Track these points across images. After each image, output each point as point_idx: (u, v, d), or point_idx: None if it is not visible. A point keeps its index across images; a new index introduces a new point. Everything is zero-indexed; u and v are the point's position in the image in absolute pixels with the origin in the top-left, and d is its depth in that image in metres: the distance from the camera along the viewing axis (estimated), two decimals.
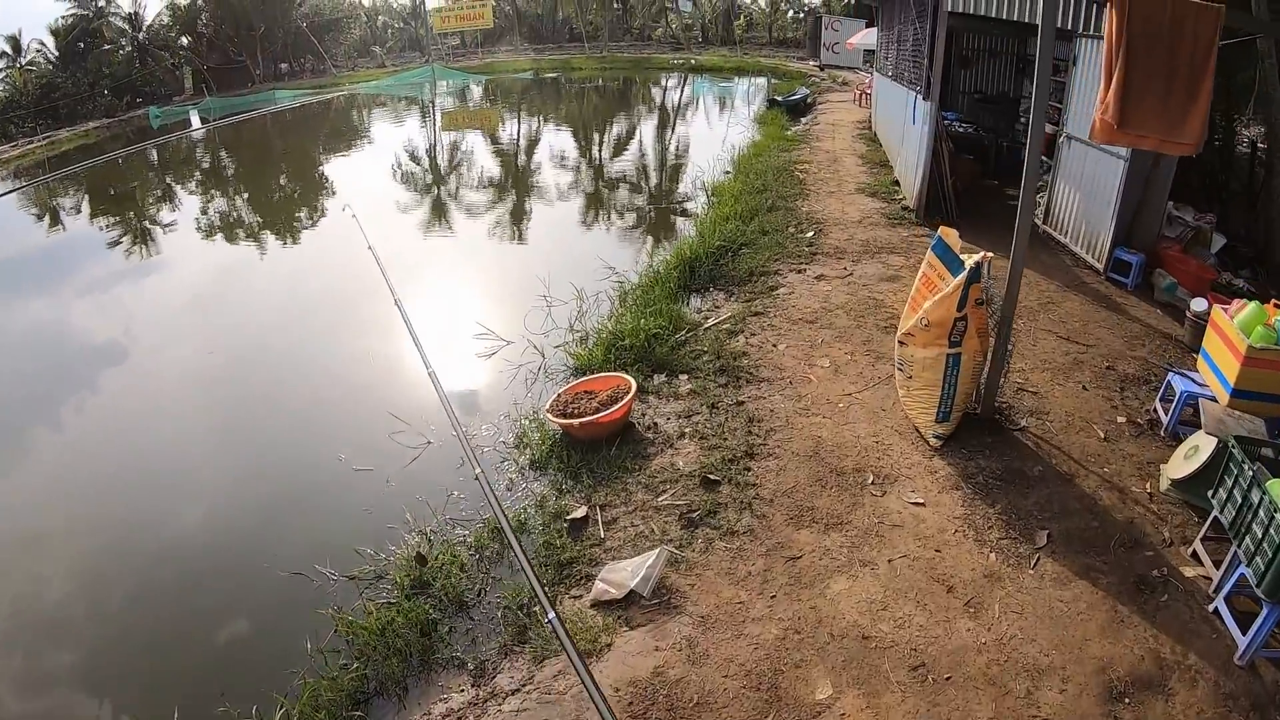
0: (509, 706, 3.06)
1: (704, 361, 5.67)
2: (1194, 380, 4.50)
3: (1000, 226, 7.96)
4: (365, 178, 16.68)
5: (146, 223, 14.01)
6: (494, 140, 21.11)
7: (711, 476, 4.28)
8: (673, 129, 21.70)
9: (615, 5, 47.13)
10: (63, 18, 32.58)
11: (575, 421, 4.65)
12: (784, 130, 16.00)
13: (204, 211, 14.41)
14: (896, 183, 10.47)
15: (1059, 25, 5.37)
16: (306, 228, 12.86)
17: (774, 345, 5.87)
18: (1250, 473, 3.04)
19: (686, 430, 4.83)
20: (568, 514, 4.13)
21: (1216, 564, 3.43)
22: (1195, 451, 3.91)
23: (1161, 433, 4.55)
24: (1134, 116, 3.83)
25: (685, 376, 5.53)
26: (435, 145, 20.60)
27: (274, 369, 7.11)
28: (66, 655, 3.93)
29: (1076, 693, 2.91)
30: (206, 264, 11.05)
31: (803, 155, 13.12)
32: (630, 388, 4.90)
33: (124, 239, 12.89)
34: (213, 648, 3.86)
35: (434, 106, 29.60)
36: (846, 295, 6.75)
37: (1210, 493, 3.40)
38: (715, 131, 18.67)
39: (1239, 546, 3.07)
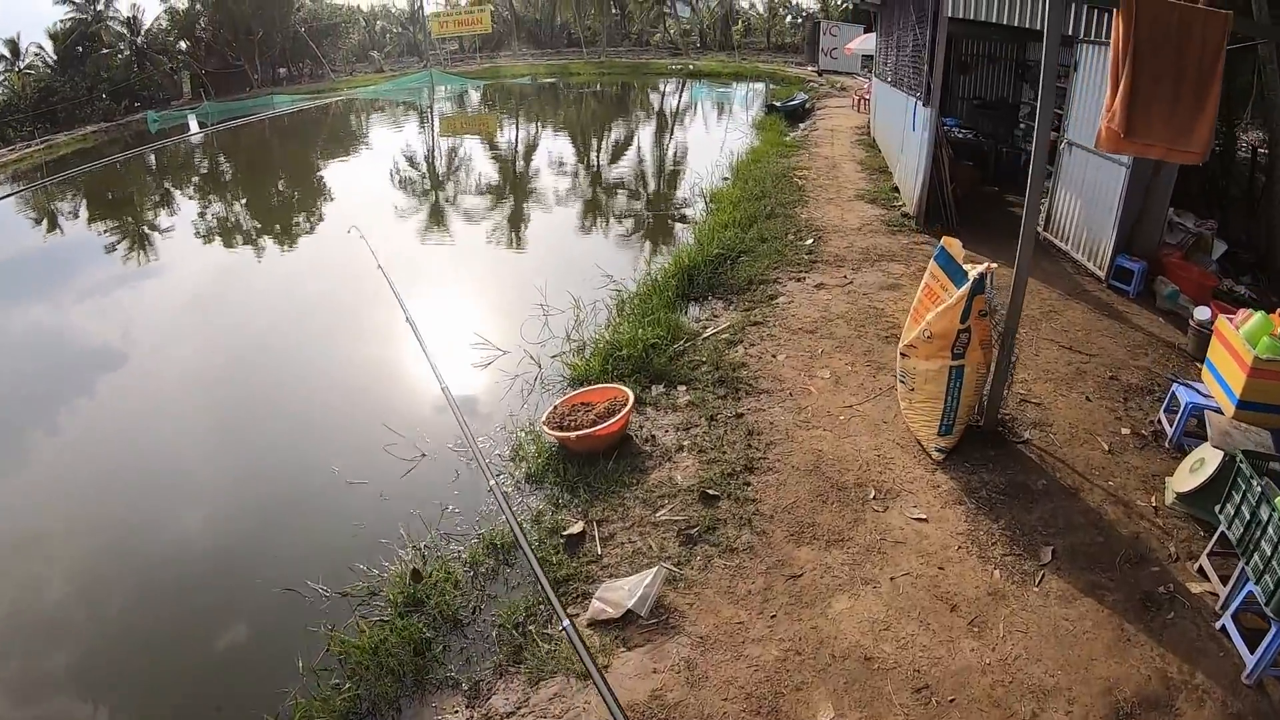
0: None
1: (702, 372, 5.59)
2: (1199, 391, 4.44)
3: (1000, 233, 7.96)
4: (362, 183, 16.67)
5: (145, 228, 13.96)
6: (492, 146, 21.08)
7: (710, 491, 4.21)
8: (671, 134, 21.70)
9: (614, 10, 47.23)
10: (61, 21, 32.74)
11: (572, 434, 4.58)
12: (782, 136, 15.97)
13: (202, 215, 14.39)
14: (896, 189, 10.43)
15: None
16: (305, 234, 12.82)
17: (773, 356, 5.80)
18: (1259, 488, 2.99)
19: (685, 443, 4.76)
20: (564, 529, 4.06)
21: (1223, 580, 3.38)
22: (1201, 464, 3.86)
23: (1166, 444, 4.49)
24: (1141, 125, 3.76)
25: (684, 388, 5.45)
26: (433, 151, 20.57)
27: (270, 380, 7.03)
28: (50, 668, 3.88)
29: (1083, 714, 2.85)
30: (205, 267, 11.02)
31: (801, 161, 13.08)
32: (628, 399, 4.83)
33: (121, 244, 12.84)
34: (204, 665, 3.80)
35: (432, 112, 29.60)
36: (847, 304, 6.68)
37: (1217, 507, 3.34)
38: (713, 137, 18.63)
39: (1247, 563, 3.02)
